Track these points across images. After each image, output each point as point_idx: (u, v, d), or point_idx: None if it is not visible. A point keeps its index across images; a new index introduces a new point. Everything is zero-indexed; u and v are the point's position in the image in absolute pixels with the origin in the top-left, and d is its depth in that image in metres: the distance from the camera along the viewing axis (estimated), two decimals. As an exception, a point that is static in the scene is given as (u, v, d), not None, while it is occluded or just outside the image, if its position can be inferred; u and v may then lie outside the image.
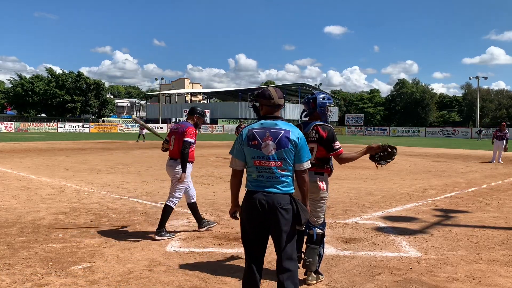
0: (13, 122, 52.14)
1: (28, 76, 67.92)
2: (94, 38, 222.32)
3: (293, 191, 2.93)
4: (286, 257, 2.88)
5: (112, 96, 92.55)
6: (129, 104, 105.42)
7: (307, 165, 2.92)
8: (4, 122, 52.34)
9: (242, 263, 4.14)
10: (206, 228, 5.33)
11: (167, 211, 5.08)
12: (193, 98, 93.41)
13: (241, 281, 3.67)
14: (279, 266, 2.90)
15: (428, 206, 7.19)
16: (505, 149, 16.34)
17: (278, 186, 2.86)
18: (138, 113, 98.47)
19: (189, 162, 5.18)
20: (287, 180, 2.89)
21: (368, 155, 4.03)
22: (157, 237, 4.92)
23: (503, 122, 17.96)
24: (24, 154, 16.93)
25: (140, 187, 8.75)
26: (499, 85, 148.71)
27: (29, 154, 17.20)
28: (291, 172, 2.92)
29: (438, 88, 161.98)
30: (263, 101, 2.99)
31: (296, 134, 2.89)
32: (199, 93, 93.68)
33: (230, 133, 51.96)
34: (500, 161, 16.21)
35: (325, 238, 3.86)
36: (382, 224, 5.85)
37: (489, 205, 7.42)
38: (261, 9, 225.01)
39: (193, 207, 5.36)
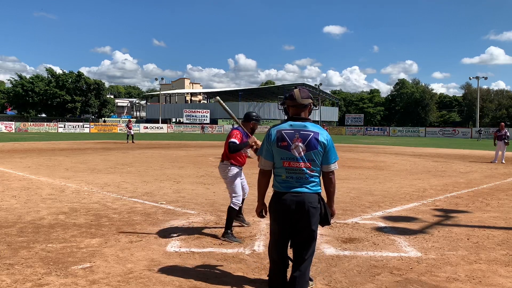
0: (13, 122, 52.15)
1: (28, 76, 68.10)
2: (93, 38, 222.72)
3: (320, 190, 2.99)
4: (306, 256, 2.99)
5: (112, 96, 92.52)
6: (129, 104, 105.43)
7: (334, 166, 2.99)
8: (4, 122, 52.37)
9: (242, 263, 4.14)
10: (225, 239, 4.88)
11: (231, 213, 4.99)
12: (193, 98, 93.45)
13: (241, 281, 3.68)
14: (297, 264, 2.99)
15: (428, 206, 7.19)
16: (507, 144, 16.45)
17: (307, 186, 2.92)
18: (138, 113, 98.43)
19: (235, 166, 5.11)
20: (316, 180, 2.96)
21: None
22: (222, 238, 4.88)
23: (501, 123, 18.07)
24: (24, 154, 16.93)
25: (140, 187, 8.75)
26: (499, 85, 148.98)
27: (29, 154, 17.20)
28: (319, 173, 2.99)
29: (437, 88, 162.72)
30: (289, 102, 3.05)
31: (324, 136, 2.96)
32: (199, 93, 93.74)
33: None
34: (503, 161, 16.15)
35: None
36: (382, 224, 5.85)
37: (489, 205, 7.41)
38: (260, 9, 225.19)
39: (230, 211, 5.07)
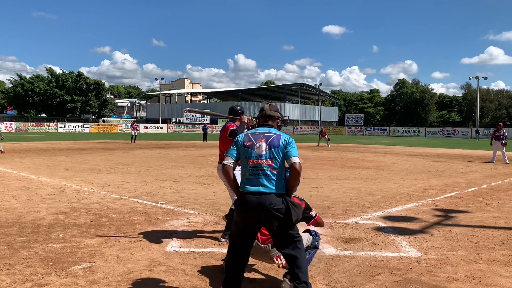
0: (13, 122, 52.17)
1: (28, 76, 68.08)
2: (93, 38, 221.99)
3: (283, 191, 3.11)
4: (289, 244, 3.11)
5: (112, 96, 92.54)
6: (129, 104, 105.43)
7: (296, 159, 3.14)
8: (4, 122, 52.37)
9: (242, 263, 4.14)
10: (226, 240, 4.81)
11: (233, 214, 4.96)
12: (193, 98, 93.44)
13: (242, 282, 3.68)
14: (282, 248, 3.14)
15: (428, 206, 7.19)
16: (504, 145, 16.27)
17: (269, 185, 3.07)
18: (138, 113, 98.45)
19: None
20: (277, 179, 3.11)
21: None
22: (223, 240, 4.85)
23: (499, 123, 17.98)
24: (24, 154, 16.93)
25: (140, 187, 8.75)
26: (498, 85, 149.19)
27: (29, 154, 17.20)
28: (281, 172, 3.15)
29: (437, 88, 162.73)
30: (259, 114, 3.51)
31: (285, 137, 3.25)
32: (199, 93, 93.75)
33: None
34: (507, 161, 15.84)
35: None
36: (382, 224, 5.85)
37: (489, 205, 7.41)
38: (260, 9, 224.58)
39: (232, 213, 4.92)
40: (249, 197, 3.05)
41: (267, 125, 3.38)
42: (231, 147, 3.31)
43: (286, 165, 3.18)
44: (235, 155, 3.24)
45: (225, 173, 3.22)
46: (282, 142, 3.16)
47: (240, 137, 3.30)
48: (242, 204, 3.09)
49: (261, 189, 3.05)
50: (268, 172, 3.08)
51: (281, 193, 3.08)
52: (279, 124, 3.50)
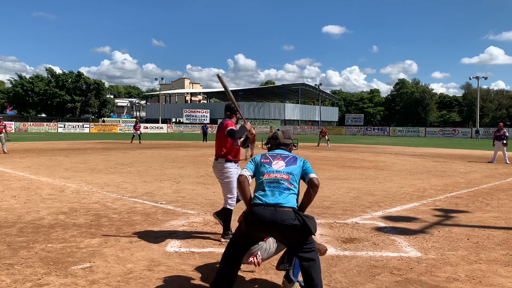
0: (13, 122, 52.11)
1: (28, 76, 68.14)
2: (93, 38, 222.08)
3: (295, 206, 3.13)
4: (306, 252, 3.11)
5: (112, 96, 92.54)
6: (129, 104, 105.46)
7: (314, 175, 3.28)
8: (4, 122, 52.28)
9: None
10: (226, 240, 4.80)
11: (227, 214, 4.93)
12: (193, 98, 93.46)
13: (241, 281, 3.68)
14: (301, 258, 3.13)
15: (428, 206, 7.19)
16: (505, 145, 16.22)
17: (282, 199, 3.09)
18: (138, 113, 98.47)
19: (231, 162, 4.92)
20: (292, 194, 3.16)
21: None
22: (223, 240, 4.85)
23: (500, 123, 17.94)
24: (24, 154, 16.93)
25: (140, 187, 8.75)
26: (498, 85, 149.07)
27: (29, 154, 17.20)
28: (296, 189, 3.22)
29: (437, 88, 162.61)
30: (272, 141, 3.66)
31: (302, 158, 3.44)
32: (199, 93, 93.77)
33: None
34: (507, 161, 15.79)
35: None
36: (382, 224, 5.85)
37: (489, 205, 7.41)
38: (259, 9, 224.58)
39: (226, 212, 4.98)
40: (260, 209, 3.06)
41: (281, 150, 3.57)
42: (249, 162, 3.43)
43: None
44: (253, 169, 3.37)
45: (240, 183, 3.29)
46: (299, 162, 3.34)
47: (258, 156, 3.44)
48: (252, 216, 3.09)
49: (273, 202, 3.07)
50: (284, 186, 3.16)
51: (294, 207, 3.09)
52: (291, 148, 3.69)
